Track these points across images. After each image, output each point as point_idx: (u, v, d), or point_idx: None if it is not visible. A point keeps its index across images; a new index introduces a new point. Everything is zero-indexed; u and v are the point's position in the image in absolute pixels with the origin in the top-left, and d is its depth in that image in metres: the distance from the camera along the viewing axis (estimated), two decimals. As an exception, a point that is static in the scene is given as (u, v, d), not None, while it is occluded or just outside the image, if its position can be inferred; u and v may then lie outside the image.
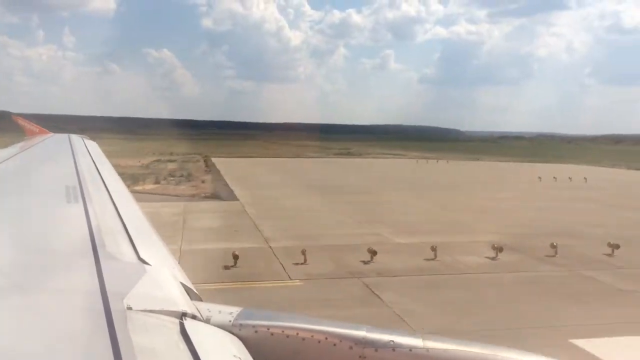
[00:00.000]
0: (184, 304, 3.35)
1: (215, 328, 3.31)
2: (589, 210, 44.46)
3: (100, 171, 10.45)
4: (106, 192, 7.70)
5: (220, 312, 3.50)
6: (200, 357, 2.63)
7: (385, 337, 3.40)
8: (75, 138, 21.08)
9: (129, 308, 3.00)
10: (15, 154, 13.83)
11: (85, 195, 6.99)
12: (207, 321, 3.35)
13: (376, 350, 3.33)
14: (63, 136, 22.79)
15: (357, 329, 3.49)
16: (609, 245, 27.02)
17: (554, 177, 70.60)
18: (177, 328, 2.95)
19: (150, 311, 3.05)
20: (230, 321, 3.44)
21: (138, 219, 6.21)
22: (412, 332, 3.52)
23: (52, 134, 25.02)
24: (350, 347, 3.35)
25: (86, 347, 2.56)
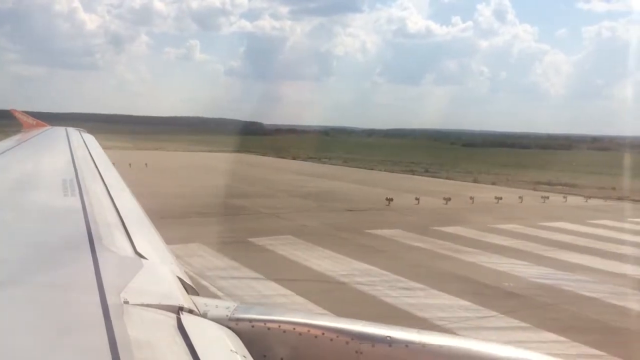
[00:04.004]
0: (181, 298, 3.34)
1: (212, 323, 3.30)
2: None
3: (97, 164, 10.43)
4: (103, 185, 7.67)
5: (217, 306, 3.50)
6: (197, 351, 2.63)
7: (381, 332, 3.40)
8: (72, 131, 21.04)
9: (126, 302, 2.99)
10: (12, 147, 13.79)
11: (82, 188, 6.96)
12: (204, 316, 3.34)
13: (373, 346, 3.33)
14: (60, 129, 22.74)
15: (353, 324, 3.48)
16: None
17: (145, 164, 68.52)
18: (174, 322, 2.94)
19: (147, 305, 3.04)
20: (227, 316, 3.43)
21: (135, 212, 6.19)
22: (409, 328, 3.53)
23: (49, 126, 24.96)
24: (347, 342, 3.35)
25: (82, 342, 2.55)
